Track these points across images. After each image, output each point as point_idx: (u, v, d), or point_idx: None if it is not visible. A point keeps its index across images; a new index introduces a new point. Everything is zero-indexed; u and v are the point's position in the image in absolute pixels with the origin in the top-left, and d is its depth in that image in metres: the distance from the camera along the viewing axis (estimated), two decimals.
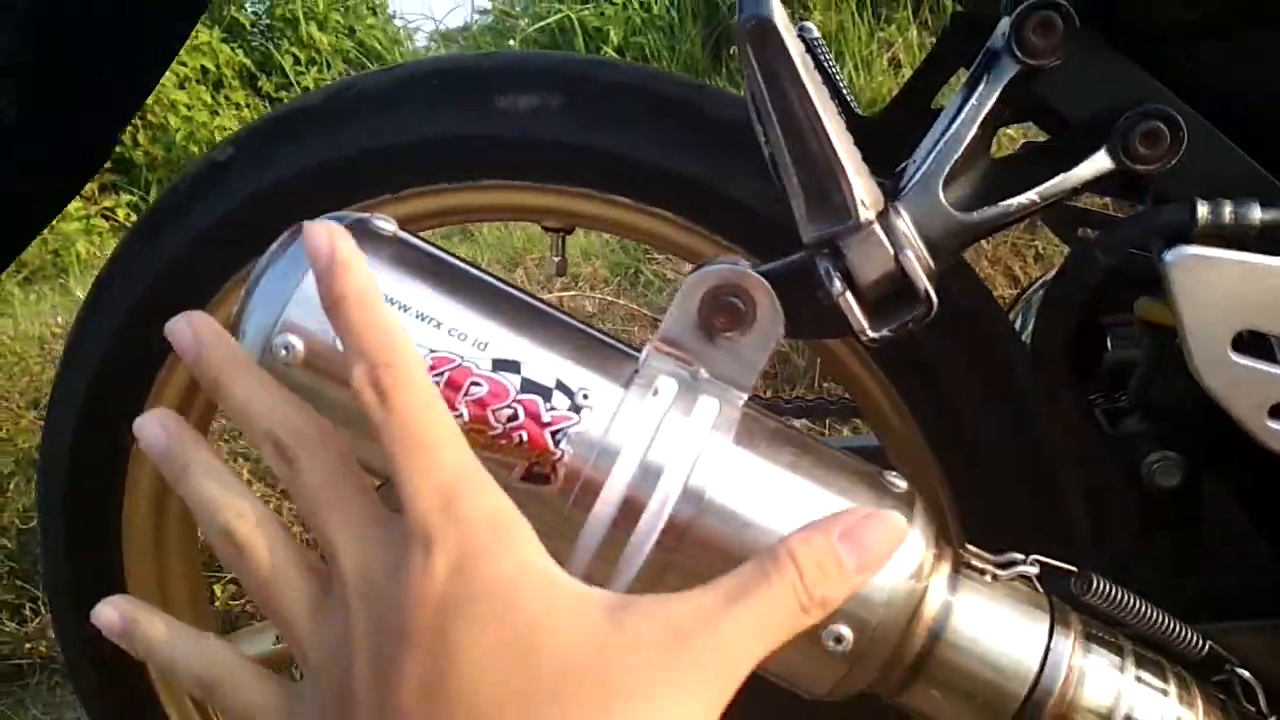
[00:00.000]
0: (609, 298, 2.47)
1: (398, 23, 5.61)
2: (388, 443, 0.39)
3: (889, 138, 0.71)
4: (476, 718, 0.36)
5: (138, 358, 0.81)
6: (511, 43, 4.88)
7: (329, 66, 5.04)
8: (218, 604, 1.52)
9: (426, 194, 0.77)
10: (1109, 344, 0.91)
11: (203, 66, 4.48)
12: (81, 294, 2.92)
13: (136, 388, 0.83)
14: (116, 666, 0.89)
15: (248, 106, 4.78)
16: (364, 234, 0.53)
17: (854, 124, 0.75)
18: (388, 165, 0.76)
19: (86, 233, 3.84)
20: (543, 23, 4.58)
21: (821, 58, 0.78)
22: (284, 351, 0.49)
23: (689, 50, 4.23)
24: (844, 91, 0.78)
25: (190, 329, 0.45)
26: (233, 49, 4.59)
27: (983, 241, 2.28)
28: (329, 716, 0.39)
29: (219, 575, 1.59)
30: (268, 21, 4.97)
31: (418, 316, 0.50)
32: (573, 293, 2.48)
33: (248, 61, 4.73)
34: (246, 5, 4.93)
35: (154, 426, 0.44)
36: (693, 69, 4.14)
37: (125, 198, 4.12)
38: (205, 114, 4.35)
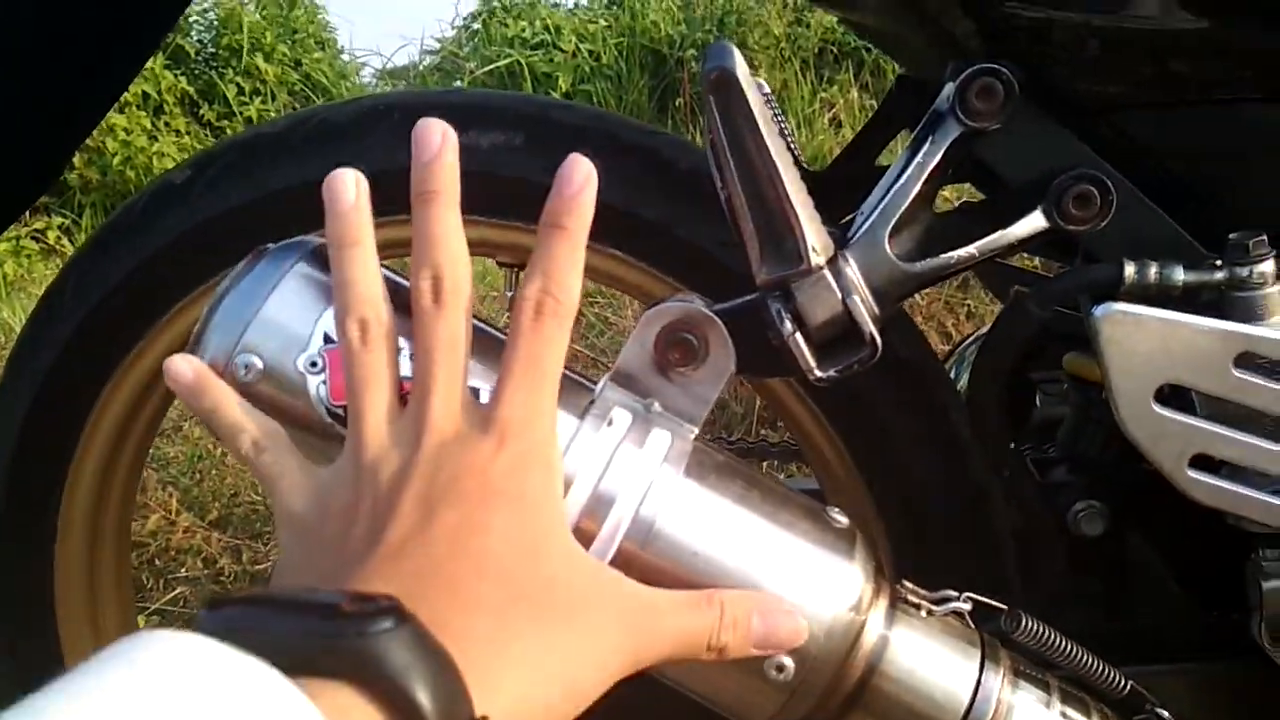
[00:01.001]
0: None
1: (345, 58, 5.60)
2: (511, 346, 0.46)
3: (834, 192, 0.74)
4: (477, 576, 0.41)
5: (85, 373, 0.80)
6: (459, 83, 4.90)
7: (274, 97, 5.00)
8: None
9: (384, 225, 0.77)
10: (1038, 400, 0.95)
11: (144, 92, 4.42)
12: (7, 314, 2.85)
13: (77, 410, 0.82)
14: None
15: (188, 134, 4.73)
16: (326, 258, 0.53)
17: (803, 176, 0.78)
18: None
19: (15, 254, 3.74)
20: (491, 66, 4.61)
21: (773, 113, 0.82)
22: (244, 370, 0.50)
23: (636, 99, 4.29)
24: (794, 146, 0.81)
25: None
26: (175, 76, 4.54)
27: (917, 298, 2.34)
28: (365, 507, 0.44)
29: (143, 606, 1.55)
30: (213, 50, 4.93)
31: None
32: None
33: (190, 89, 4.68)
34: (191, 33, 4.89)
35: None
36: (639, 118, 4.19)
37: (57, 220, 4.03)
38: (144, 139, 4.28)
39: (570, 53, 4.56)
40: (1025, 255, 1.11)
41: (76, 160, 4.20)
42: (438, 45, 5.30)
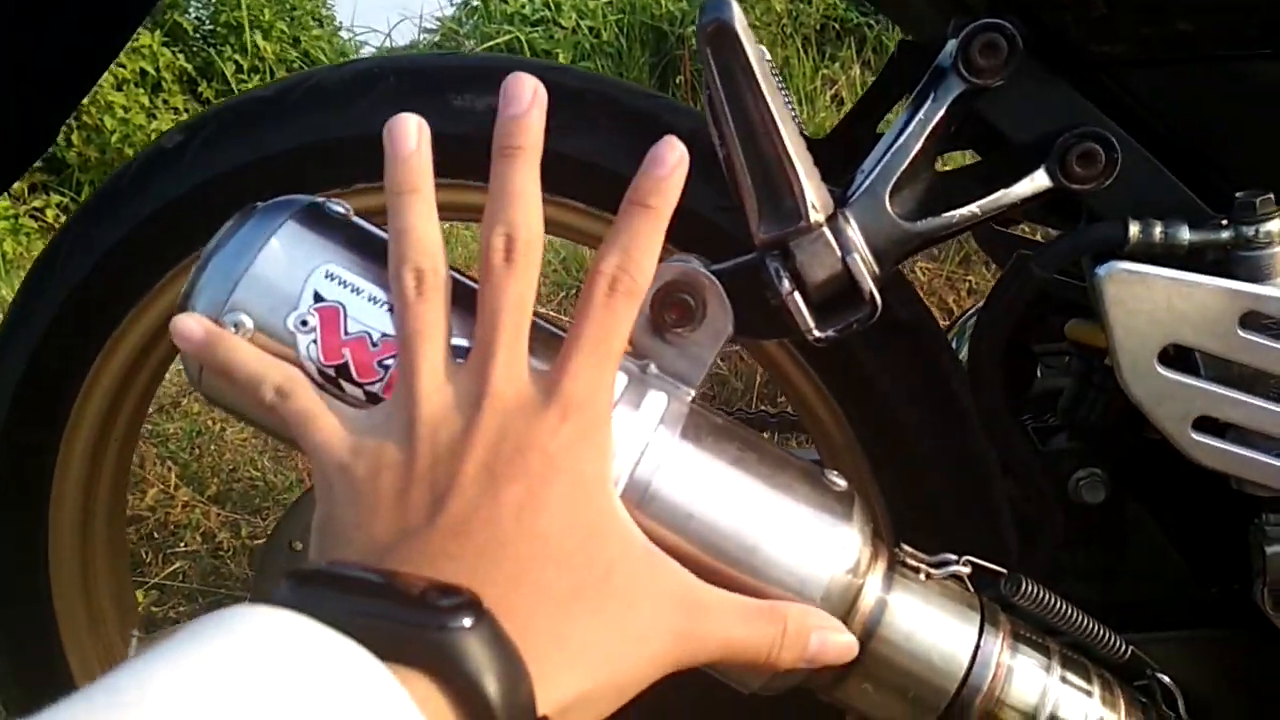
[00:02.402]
0: (551, 313, 2.47)
1: (344, 34, 5.57)
2: (581, 317, 0.45)
3: (835, 159, 0.73)
4: (542, 560, 0.41)
5: (77, 342, 0.79)
6: None
7: (272, 75, 4.97)
8: (139, 608, 1.48)
9: (376, 189, 0.77)
10: (1040, 371, 0.94)
11: (142, 69, 4.40)
12: (8, 293, 2.84)
13: (69, 379, 0.81)
14: None
15: (186, 111, 4.70)
16: (318, 216, 0.53)
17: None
18: (339, 159, 0.76)
19: (14, 232, 3.73)
20: (491, 43, 4.58)
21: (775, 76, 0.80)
22: (233, 329, 0.49)
23: (636, 77, 4.27)
24: (795, 112, 0.80)
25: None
26: (173, 53, 4.51)
27: (919, 273, 2.33)
28: (423, 467, 0.43)
29: (142, 580, 1.55)
30: (211, 27, 4.90)
31: (370, 300, 0.50)
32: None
33: (188, 66, 4.65)
34: (190, 10, 4.85)
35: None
36: None
37: (55, 198, 4.02)
38: (142, 117, 4.26)
39: (570, 29, 4.53)
40: (1029, 226, 1.10)
41: (75, 138, 4.18)
42: (437, 23, 5.27)
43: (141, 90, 4.49)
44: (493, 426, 0.43)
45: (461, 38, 4.96)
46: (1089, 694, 0.55)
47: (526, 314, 0.46)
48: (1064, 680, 0.54)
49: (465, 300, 0.49)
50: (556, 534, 0.42)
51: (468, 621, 0.36)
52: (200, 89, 4.84)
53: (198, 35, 5.05)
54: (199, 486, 1.78)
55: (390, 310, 0.50)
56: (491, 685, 0.35)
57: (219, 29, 5.00)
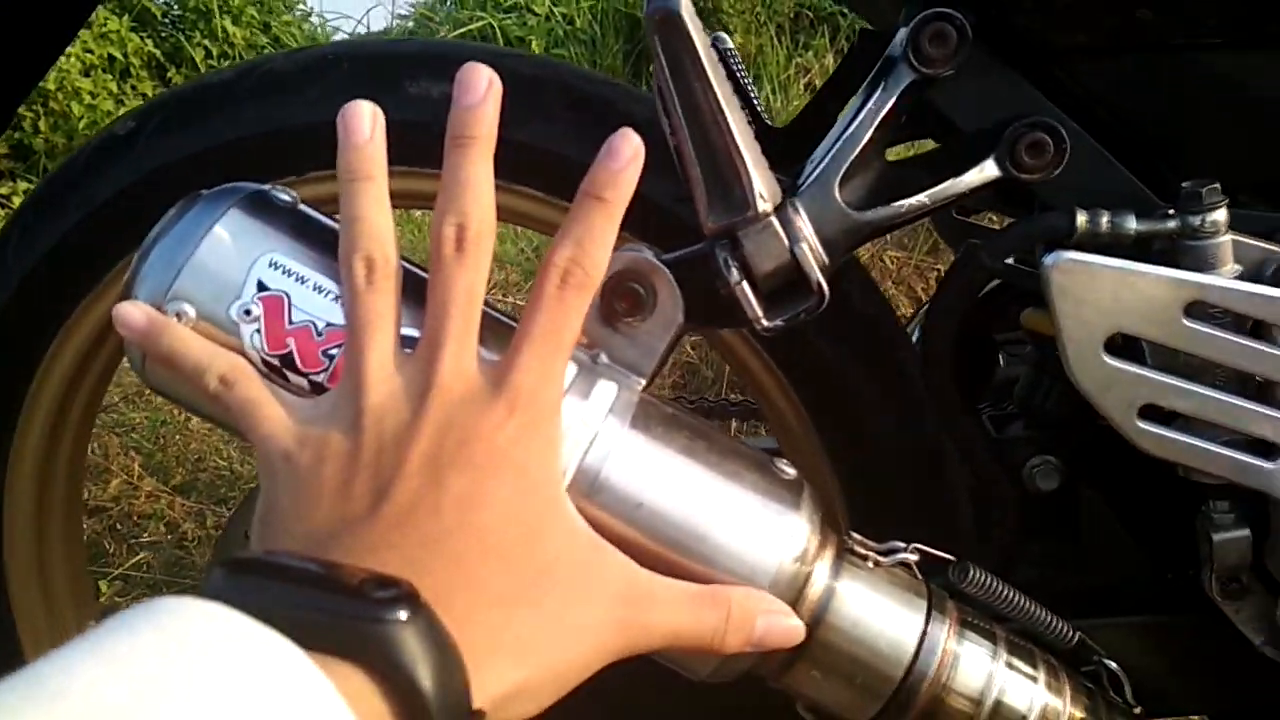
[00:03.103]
0: (520, 302, 2.46)
1: (315, 20, 5.52)
2: (532, 310, 0.44)
3: (796, 147, 0.73)
4: (482, 553, 0.41)
5: (30, 329, 0.78)
6: None
7: (242, 61, 4.92)
8: (103, 599, 1.47)
9: (331, 177, 0.76)
10: (1002, 360, 0.95)
11: (110, 55, 4.34)
12: None
13: (24, 361, 0.80)
14: None
15: (154, 97, 4.65)
16: (264, 204, 0.52)
17: (763, 133, 0.77)
18: (292, 146, 0.75)
19: None
20: (464, 29, 4.55)
21: (734, 68, 0.80)
22: (176, 317, 0.49)
23: (610, 64, 4.25)
24: (755, 101, 0.80)
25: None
26: (142, 38, 4.45)
27: (888, 262, 2.34)
28: (368, 457, 0.43)
29: (105, 571, 1.54)
30: (179, 12, 4.84)
31: (315, 289, 0.50)
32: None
33: (157, 52, 4.59)
34: None
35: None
36: None
37: (22, 185, 3.96)
38: (110, 103, 4.20)
39: (544, 16, 4.50)
40: (994, 215, 1.11)
41: (42, 124, 4.13)
42: (410, 9, 5.23)
43: (109, 76, 4.43)
44: (439, 418, 0.43)
45: (436, 24, 4.93)
46: (1034, 680, 0.55)
47: (477, 305, 0.45)
48: (1010, 666, 0.55)
49: (416, 290, 0.49)
50: (499, 526, 0.42)
51: (404, 614, 0.36)
52: (169, 75, 4.78)
53: (166, 20, 4.99)
54: (163, 477, 1.77)
55: (336, 299, 0.50)
56: (426, 678, 0.35)
57: (188, 14, 4.94)
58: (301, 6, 5.47)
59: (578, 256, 0.45)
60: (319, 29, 5.58)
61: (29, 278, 0.78)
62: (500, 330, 0.52)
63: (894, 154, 0.73)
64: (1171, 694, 0.70)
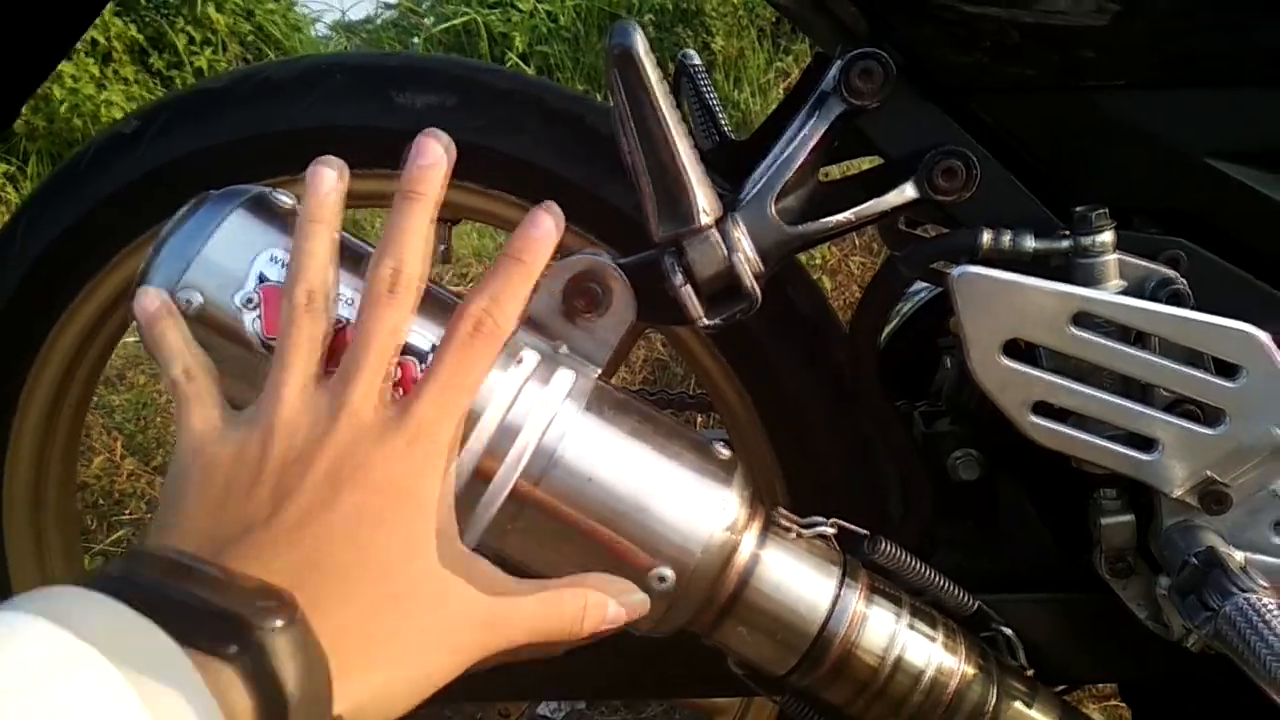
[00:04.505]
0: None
1: (300, 10, 5.53)
2: (444, 351, 0.50)
3: (753, 159, 0.81)
4: (362, 568, 0.46)
5: (32, 316, 0.84)
6: (415, 40, 4.87)
7: (224, 48, 4.94)
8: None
9: None
10: (948, 362, 1.02)
11: (92, 39, 4.35)
12: None
13: (26, 348, 0.86)
14: None
15: (136, 82, 4.66)
16: (265, 205, 0.59)
17: (726, 145, 0.84)
18: (287, 149, 0.82)
19: None
20: (448, 24, 4.59)
21: (700, 83, 0.87)
22: (185, 304, 0.56)
23: (592, 62, 4.30)
24: (719, 114, 0.87)
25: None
26: (125, 23, 4.46)
27: (850, 265, 2.41)
28: (273, 466, 0.47)
29: (88, 546, 1.59)
30: None
31: None
32: (463, 290, 2.54)
33: (140, 37, 4.60)
34: None
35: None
36: (595, 80, 4.22)
37: (1, 167, 3.97)
38: (91, 87, 4.22)
39: (528, 13, 4.54)
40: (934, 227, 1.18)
41: (23, 108, 4.12)
42: (395, 0, 5.25)
43: (91, 60, 4.44)
44: (344, 440, 0.48)
45: (420, 15, 4.96)
46: (933, 640, 0.63)
47: (395, 341, 0.51)
48: (912, 628, 0.63)
49: (432, 304, 0.56)
50: (383, 544, 0.46)
51: (279, 623, 0.40)
52: (151, 60, 4.79)
53: (150, 5, 4.99)
54: (144, 456, 1.82)
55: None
56: (291, 683, 0.39)
57: (171, 0, 4.94)
58: None
59: (491, 309, 0.50)
60: (303, 17, 5.60)
61: (37, 263, 0.84)
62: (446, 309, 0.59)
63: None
64: (1072, 664, 0.78)
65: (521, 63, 4.32)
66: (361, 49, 4.47)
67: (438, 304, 0.59)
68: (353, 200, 0.85)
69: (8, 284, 0.84)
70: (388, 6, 5.30)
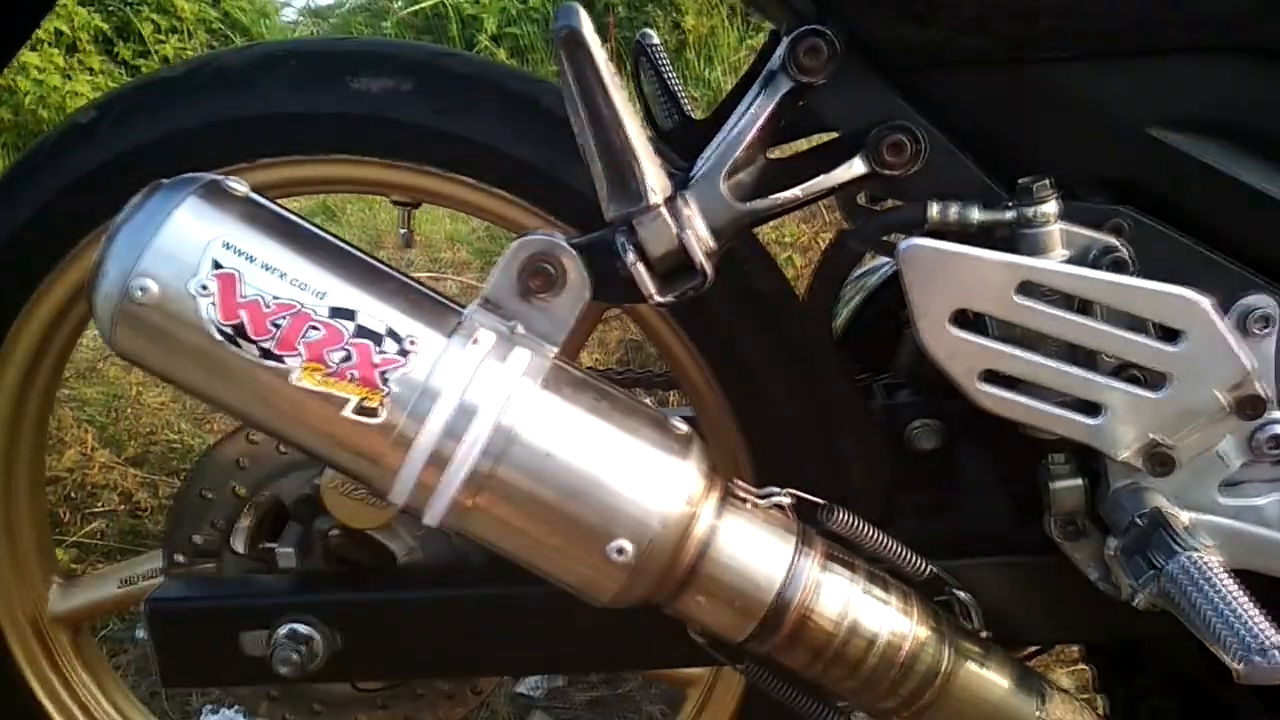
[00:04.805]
0: (472, 281, 2.53)
1: None
2: None
3: (713, 137, 0.81)
4: None
5: None
6: (385, 24, 4.84)
7: (191, 36, 4.89)
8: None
9: (278, 164, 0.83)
10: (908, 336, 1.04)
11: (57, 29, 4.30)
12: None
13: None
14: None
15: (103, 72, 4.61)
16: (218, 192, 0.60)
17: (684, 125, 0.85)
18: (242, 136, 0.82)
19: None
20: (417, 6, 4.56)
21: (659, 63, 0.88)
22: (140, 292, 0.56)
23: None
24: (679, 93, 0.88)
25: None
26: (90, 13, 4.41)
27: (819, 243, 2.42)
28: None
29: (61, 539, 1.59)
30: None
31: (264, 267, 0.58)
32: (436, 275, 2.53)
33: (105, 26, 4.55)
34: None
35: None
36: None
37: None
38: (58, 78, 4.18)
39: None
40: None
41: None
42: None
43: (57, 51, 4.39)
44: None
45: (387, 0, 4.92)
46: (887, 604, 0.65)
47: None
48: (866, 593, 0.64)
49: (405, 294, 0.57)
50: None
51: None
52: (117, 49, 4.75)
53: None
54: (117, 448, 1.82)
55: (283, 276, 0.57)
56: None
57: None
58: None
59: None
60: (269, 2, 5.55)
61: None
62: (423, 303, 0.60)
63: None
64: (1028, 626, 0.80)
65: (492, 44, 4.30)
66: (329, 35, 4.44)
67: (396, 288, 0.60)
68: (311, 186, 0.86)
69: None
70: None
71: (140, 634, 0.81)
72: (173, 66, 0.86)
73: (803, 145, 0.74)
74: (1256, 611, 0.56)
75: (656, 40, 0.91)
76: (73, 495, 1.70)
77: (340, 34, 4.67)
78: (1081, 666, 1.35)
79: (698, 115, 0.87)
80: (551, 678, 1.45)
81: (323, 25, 5.35)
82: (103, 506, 1.67)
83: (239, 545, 0.88)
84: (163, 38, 4.84)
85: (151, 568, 0.97)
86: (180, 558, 0.88)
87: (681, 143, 0.80)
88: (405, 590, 0.82)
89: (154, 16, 4.85)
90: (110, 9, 4.82)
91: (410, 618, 0.81)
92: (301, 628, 0.78)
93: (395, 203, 0.88)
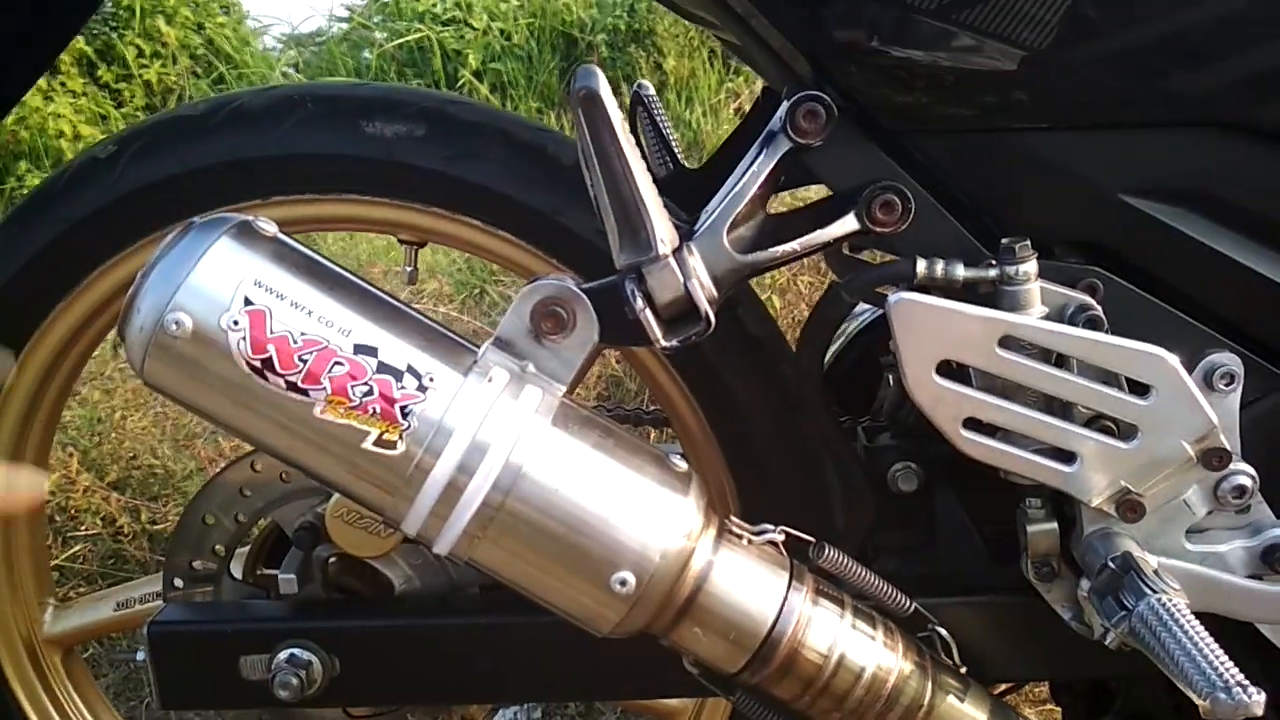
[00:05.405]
0: (453, 313, 2.55)
1: (250, 23, 5.51)
2: None
3: (709, 186, 0.85)
4: None
5: (9, 331, 0.86)
6: (366, 55, 4.88)
7: (175, 61, 4.91)
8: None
9: (292, 203, 0.87)
10: (890, 381, 1.08)
11: None
12: None
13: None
14: None
15: (85, 95, 4.61)
16: (249, 232, 0.63)
17: (679, 173, 0.89)
18: (259, 175, 0.85)
19: None
20: (401, 40, 4.61)
21: (654, 113, 0.92)
22: (174, 326, 0.59)
23: (546, 80, 4.34)
24: (672, 142, 0.92)
25: None
26: None
27: (801, 287, 2.47)
28: None
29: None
30: (112, 9, 4.80)
31: (292, 305, 0.61)
32: (419, 306, 2.56)
33: (88, 49, 4.56)
34: None
35: None
36: (549, 99, 4.26)
37: None
38: (39, 100, 4.17)
39: (482, 30, 4.57)
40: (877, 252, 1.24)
41: None
42: (347, 13, 5.25)
43: None
44: None
45: (370, 30, 4.96)
46: (873, 639, 0.68)
47: None
48: (854, 628, 0.67)
49: (423, 333, 0.60)
50: None
51: None
52: (100, 73, 4.75)
53: (98, 17, 4.93)
54: (99, 472, 1.82)
55: (309, 314, 0.60)
56: None
57: (120, 11, 4.89)
58: (237, 8, 5.45)
59: None
60: (253, 31, 5.57)
61: (10, 285, 0.86)
62: (440, 341, 0.64)
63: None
64: (1003, 663, 0.83)
65: (475, 80, 4.35)
66: (322, 80, 4.47)
67: (416, 327, 0.63)
68: (323, 225, 0.89)
69: None
70: (340, 20, 5.30)
71: (141, 656, 0.83)
72: (192, 105, 0.89)
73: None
74: (1221, 651, 0.60)
75: (652, 91, 0.96)
76: (54, 519, 1.70)
77: (322, 63, 4.70)
78: (1050, 706, 1.39)
79: (688, 162, 0.91)
80: (530, 708, 1.47)
81: (304, 52, 5.38)
82: (84, 530, 1.68)
83: (238, 571, 0.90)
84: (146, 62, 4.85)
85: (148, 591, 0.99)
86: (179, 582, 0.90)
87: (675, 191, 0.84)
88: (402, 618, 0.85)
89: (137, 41, 4.85)
90: (94, 32, 4.82)
91: (407, 645, 0.83)
92: (301, 653, 0.80)
93: (402, 241, 0.91)
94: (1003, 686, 1.03)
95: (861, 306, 1.05)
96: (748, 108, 3.72)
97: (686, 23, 4.12)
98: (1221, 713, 0.58)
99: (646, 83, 0.98)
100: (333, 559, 0.85)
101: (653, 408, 1.31)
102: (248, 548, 0.91)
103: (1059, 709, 1.12)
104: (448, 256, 2.83)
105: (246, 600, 0.88)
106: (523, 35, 4.44)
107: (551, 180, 0.86)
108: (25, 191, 3.73)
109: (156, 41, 4.79)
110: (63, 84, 4.43)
